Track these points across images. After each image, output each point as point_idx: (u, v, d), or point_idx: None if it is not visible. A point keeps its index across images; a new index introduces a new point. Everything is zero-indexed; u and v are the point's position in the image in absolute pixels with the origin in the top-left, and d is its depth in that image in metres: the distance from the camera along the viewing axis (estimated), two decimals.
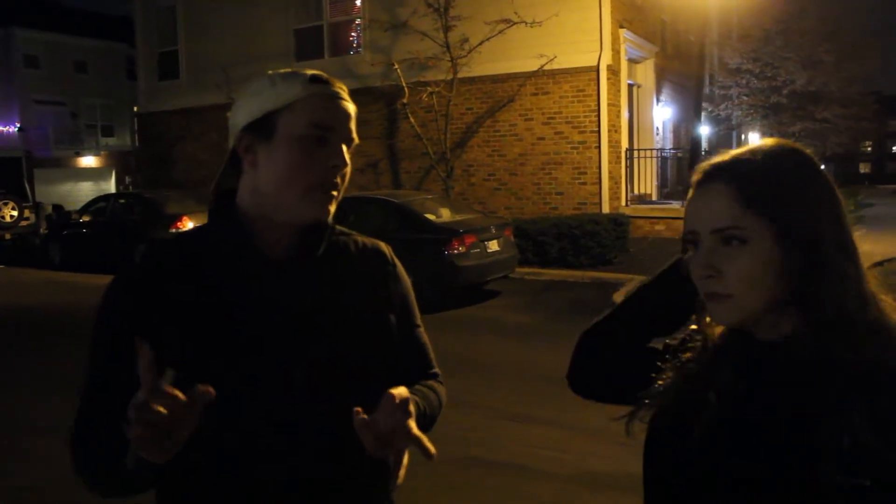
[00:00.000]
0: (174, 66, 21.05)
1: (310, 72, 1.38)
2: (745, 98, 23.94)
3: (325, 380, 1.31)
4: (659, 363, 1.27)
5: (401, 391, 1.23)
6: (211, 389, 1.09)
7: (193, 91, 19.88)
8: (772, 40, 22.51)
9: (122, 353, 1.29)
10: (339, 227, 1.51)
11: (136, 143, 26.09)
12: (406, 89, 15.31)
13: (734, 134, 30.35)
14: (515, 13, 14.29)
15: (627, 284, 11.20)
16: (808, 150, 1.18)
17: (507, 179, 16.04)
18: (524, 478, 4.53)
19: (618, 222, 13.91)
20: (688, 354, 1.24)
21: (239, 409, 1.28)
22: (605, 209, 14.97)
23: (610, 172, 15.18)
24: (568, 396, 5.84)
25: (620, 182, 15.98)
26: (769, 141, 1.19)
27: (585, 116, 15.17)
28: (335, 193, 1.37)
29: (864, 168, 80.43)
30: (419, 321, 1.59)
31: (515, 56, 15.17)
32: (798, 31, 22.30)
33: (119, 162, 39.39)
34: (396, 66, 15.27)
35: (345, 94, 1.39)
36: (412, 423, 1.22)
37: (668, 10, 20.29)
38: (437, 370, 1.61)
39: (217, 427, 1.23)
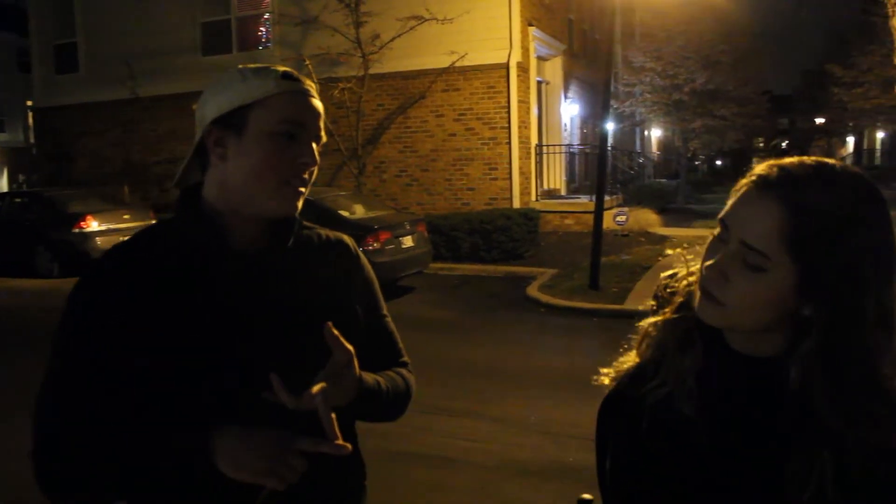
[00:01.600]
0: (73, 58, 20.15)
1: (281, 68, 1.38)
2: (648, 95, 24.68)
3: (299, 371, 1.29)
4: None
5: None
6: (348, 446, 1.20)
7: (94, 85, 19.11)
8: (673, 40, 23.27)
9: (97, 358, 1.27)
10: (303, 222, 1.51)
11: (32, 140, 25.00)
12: (317, 85, 15.13)
13: (637, 130, 31.27)
14: (427, 10, 14.35)
15: (539, 278, 11.44)
16: (884, 195, 1.06)
17: (418, 175, 16.11)
18: (449, 469, 4.61)
19: (528, 217, 14.15)
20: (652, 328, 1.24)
21: (218, 405, 1.28)
22: (516, 204, 15.23)
23: (520, 168, 15.46)
24: (487, 388, 6.03)
25: (530, 177, 16.28)
26: (847, 172, 1.05)
27: (496, 113, 15.39)
28: (303, 190, 1.38)
29: (756, 163, 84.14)
30: (385, 311, 1.62)
31: (426, 53, 15.25)
32: (697, 32, 23.13)
33: (11, 159, 37.53)
34: (307, 62, 15.12)
35: (314, 92, 1.40)
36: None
37: (575, 9, 20.77)
38: (406, 359, 1.63)
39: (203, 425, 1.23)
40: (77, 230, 12.97)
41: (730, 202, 1.10)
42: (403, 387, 1.54)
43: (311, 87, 1.41)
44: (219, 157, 1.36)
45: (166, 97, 18.00)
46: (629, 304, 9.30)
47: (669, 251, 12.31)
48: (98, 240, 12.88)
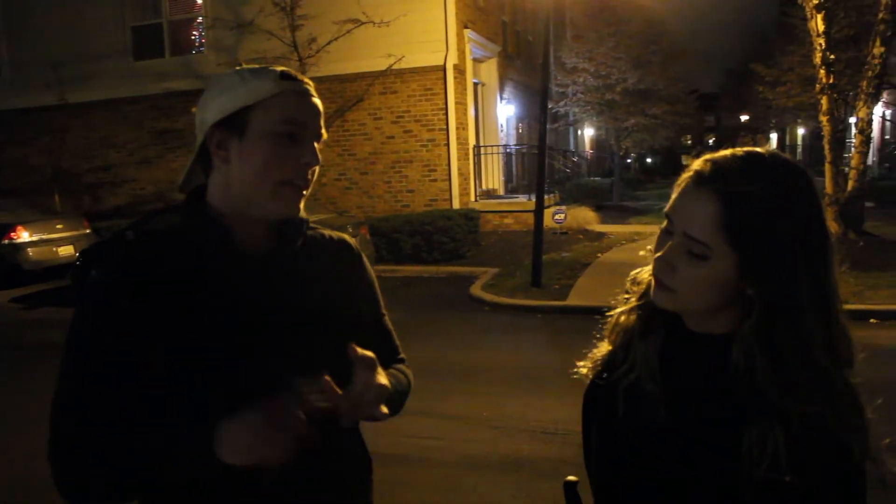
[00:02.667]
0: None
1: (279, 68, 1.39)
2: (581, 95, 25.08)
3: (308, 370, 1.30)
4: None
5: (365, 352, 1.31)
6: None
7: (19, 91, 18.46)
8: (604, 41, 23.71)
9: (106, 360, 1.28)
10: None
11: None
12: None
13: (571, 129, 31.76)
14: (363, 13, 14.37)
15: (482, 277, 11.57)
16: (814, 180, 1.14)
17: (357, 179, 16.12)
18: (406, 467, 4.66)
19: (469, 217, 14.27)
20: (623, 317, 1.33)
21: (228, 405, 1.26)
22: (456, 205, 15.38)
23: (459, 169, 15.61)
24: (437, 387, 6.15)
25: (469, 178, 16.45)
26: (776, 160, 1.13)
27: (434, 114, 15.52)
28: (306, 190, 1.39)
29: (685, 160, 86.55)
30: (384, 309, 1.66)
31: (364, 56, 15.27)
32: (627, 33, 23.62)
33: None
34: (243, 66, 14.94)
35: (313, 91, 1.41)
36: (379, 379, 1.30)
37: (509, 11, 21.03)
38: (403, 355, 1.68)
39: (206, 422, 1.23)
40: (7, 241, 12.56)
41: (672, 196, 1.19)
42: (406, 383, 1.60)
43: (310, 85, 1.41)
44: (222, 159, 1.37)
45: (97, 103, 17.59)
46: (571, 301, 9.48)
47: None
48: (30, 251, 12.51)
